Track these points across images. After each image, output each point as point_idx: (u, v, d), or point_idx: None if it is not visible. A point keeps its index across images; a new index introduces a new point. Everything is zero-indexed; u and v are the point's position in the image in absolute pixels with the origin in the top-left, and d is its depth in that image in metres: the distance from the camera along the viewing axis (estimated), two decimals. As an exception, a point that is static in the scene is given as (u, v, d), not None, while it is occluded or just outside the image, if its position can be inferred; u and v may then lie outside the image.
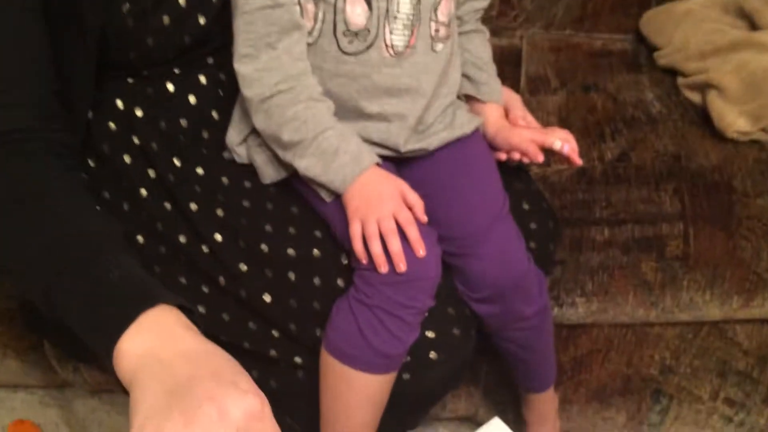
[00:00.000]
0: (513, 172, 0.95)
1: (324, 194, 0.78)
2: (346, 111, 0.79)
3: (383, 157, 0.80)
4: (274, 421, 0.48)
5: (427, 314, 0.78)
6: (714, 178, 1.08)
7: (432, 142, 0.82)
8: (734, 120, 1.11)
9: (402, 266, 0.73)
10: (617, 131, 1.15)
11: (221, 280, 0.80)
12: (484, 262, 0.82)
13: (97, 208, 0.70)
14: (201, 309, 0.82)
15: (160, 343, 0.52)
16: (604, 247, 1.02)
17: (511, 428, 0.66)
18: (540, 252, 0.93)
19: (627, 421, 1.09)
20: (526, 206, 0.94)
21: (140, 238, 0.82)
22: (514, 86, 1.23)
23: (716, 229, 1.03)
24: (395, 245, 0.73)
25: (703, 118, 1.18)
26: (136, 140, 0.81)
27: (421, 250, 0.73)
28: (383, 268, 0.73)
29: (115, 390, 1.15)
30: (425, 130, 0.83)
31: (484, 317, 0.86)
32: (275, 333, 0.81)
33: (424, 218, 0.76)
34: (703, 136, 1.16)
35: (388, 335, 0.74)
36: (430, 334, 0.78)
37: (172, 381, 0.49)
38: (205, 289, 0.82)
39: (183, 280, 0.82)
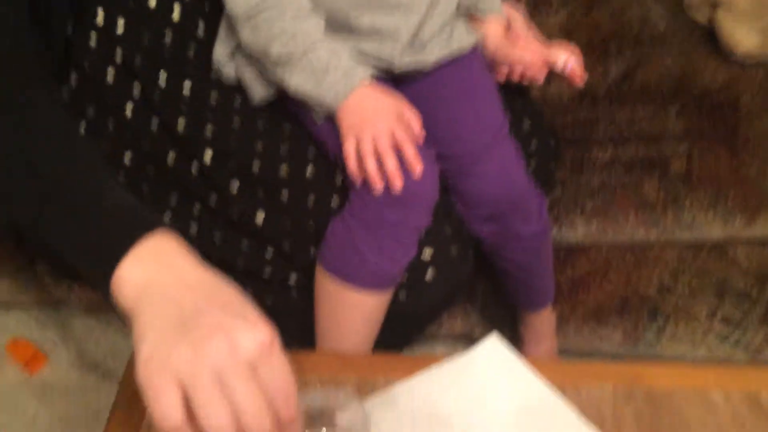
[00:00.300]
0: (513, 92, 0.93)
1: (316, 115, 0.76)
2: (338, 26, 0.76)
3: (379, 78, 0.77)
4: (283, 353, 0.47)
5: (424, 233, 0.77)
6: (719, 97, 1.07)
7: (428, 58, 0.80)
8: (744, 37, 1.09)
9: (398, 185, 0.71)
10: (622, 50, 1.12)
11: (212, 199, 0.79)
12: (483, 180, 0.81)
13: (81, 131, 0.67)
14: (192, 228, 0.81)
15: (161, 272, 0.50)
16: (606, 166, 1.01)
17: (507, 344, 0.66)
18: (540, 171, 0.92)
19: (623, 339, 1.10)
20: (526, 125, 0.93)
21: (127, 157, 0.80)
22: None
23: (721, 148, 1.02)
24: (391, 163, 0.70)
25: (709, 37, 1.16)
26: (118, 56, 0.78)
27: (418, 169, 0.71)
28: (378, 186, 0.71)
29: (111, 310, 1.15)
30: (421, 48, 0.80)
31: (482, 237, 0.86)
32: (269, 252, 0.80)
33: (422, 135, 0.73)
34: (708, 55, 1.14)
35: (383, 254, 0.74)
36: (427, 252, 0.78)
37: (178, 312, 0.47)
38: (196, 209, 0.80)
39: (173, 201, 0.81)
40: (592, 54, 1.11)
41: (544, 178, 0.92)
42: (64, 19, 0.75)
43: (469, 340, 1.21)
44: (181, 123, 0.78)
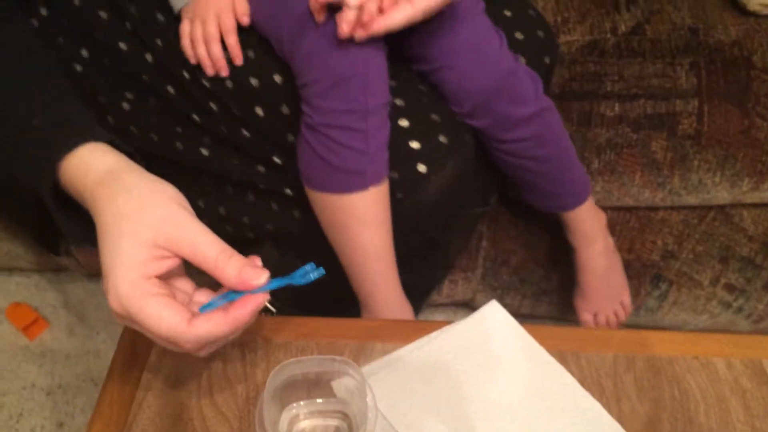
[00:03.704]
0: None
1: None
2: None
3: None
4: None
5: (409, 124, 0.78)
6: (732, 53, 1.07)
7: None
8: (759, -10, 1.09)
9: (223, 72, 0.79)
10: (633, 2, 1.12)
11: (195, 117, 0.82)
12: (457, 71, 0.82)
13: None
14: (179, 145, 0.85)
15: (82, 200, 0.56)
16: (613, 123, 1.02)
17: (508, 312, 0.68)
18: (532, 67, 0.89)
19: (624, 305, 1.13)
20: (507, 13, 0.91)
21: (129, 96, 0.84)
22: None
23: (732, 107, 1.03)
24: (215, 49, 0.79)
25: (725, -12, 1.16)
26: None
27: (237, 59, 0.79)
28: (209, 70, 0.79)
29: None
30: None
31: (479, 130, 0.85)
32: (261, 168, 0.84)
33: (245, 21, 0.79)
34: (723, 9, 1.13)
35: (341, 149, 0.75)
36: (414, 144, 0.78)
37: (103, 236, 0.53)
38: (179, 129, 0.85)
39: (154, 119, 0.85)
40: (601, 6, 1.11)
41: (539, 76, 0.90)
42: None
43: (469, 307, 1.24)
44: (159, 42, 0.82)
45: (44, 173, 0.57)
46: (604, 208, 1.08)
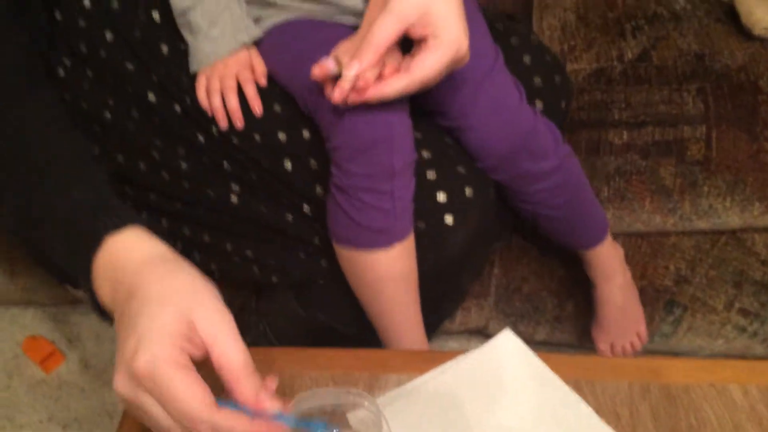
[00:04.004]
0: (508, 27, 0.93)
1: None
2: None
3: (349, 26, 0.80)
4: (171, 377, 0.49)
5: (436, 176, 0.79)
6: (739, 78, 1.08)
7: None
8: (763, 16, 1.10)
9: (239, 123, 0.80)
10: (638, 29, 1.14)
11: (226, 165, 0.83)
12: (480, 130, 0.83)
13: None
14: (210, 193, 0.86)
15: (114, 288, 0.56)
16: (622, 150, 1.03)
17: (522, 340, 0.68)
18: (550, 111, 0.91)
19: (639, 332, 1.13)
20: (526, 60, 0.92)
21: (137, 112, 0.84)
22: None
23: (740, 131, 1.03)
24: (232, 100, 0.80)
25: (730, 15, 1.17)
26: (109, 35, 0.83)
27: (257, 109, 0.80)
28: (222, 122, 0.80)
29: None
30: None
31: (503, 184, 0.87)
32: (289, 216, 0.84)
33: (263, 82, 0.81)
34: (728, 34, 1.14)
35: (369, 209, 0.76)
36: (441, 197, 0.80)
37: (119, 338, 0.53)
38: (210, 176, 0.85)
39: (184, 166, 0.85)
40: (607, 34, 1.12)
41: (556, 120, 0.92)
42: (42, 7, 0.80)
43: (483, 335, 1.23)
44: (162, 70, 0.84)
45: (84, 251, 0.57)
46: (616, 235, 1.09)
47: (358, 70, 0.67)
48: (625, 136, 1.03)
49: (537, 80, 0.92)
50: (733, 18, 1.16)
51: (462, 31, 0.69)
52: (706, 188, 1.02)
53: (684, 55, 1.11)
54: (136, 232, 0.57)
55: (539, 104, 0.92)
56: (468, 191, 0.81)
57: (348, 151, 0.74)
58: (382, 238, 0.78)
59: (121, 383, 0.51)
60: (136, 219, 0.58)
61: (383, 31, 0.68)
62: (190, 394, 0.48)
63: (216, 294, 0.54)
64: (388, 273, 0.80)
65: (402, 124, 0.75)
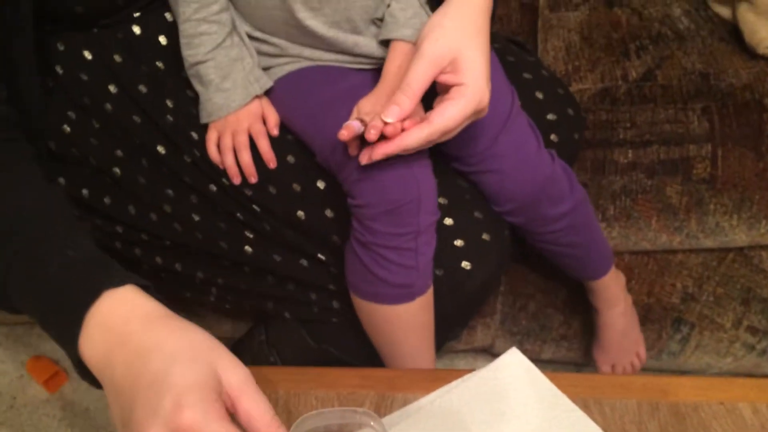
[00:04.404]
0: (519, 59, 0.93)
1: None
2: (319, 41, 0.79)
3: (366, 70, 0.81)
4: None
5: (453, 222, 0.80)
6: (744, 97, 1.08)
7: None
8: (767, 35, 1.11)
9: (252, 179, 0.79)
10: (643, 48, 1.14)
11: (239, 215, 0.82)
12: (500, 175, 0.83)
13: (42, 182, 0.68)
14: (223, 245, 0.85)
15: (109, 347, 0.53)
16: (627, 169, 1.03)
17: (528, 358, 0.68)
18: (564, 144, 0.92)
19: (646, 350, 1.12)
20: (539, 95, 0.93)
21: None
22: (533, 2, 1.22)
23: (745, 150, 1.04)
24: (245, 157, 0.79)
25: (734, 34, 1.17)
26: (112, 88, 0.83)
27: (271, 163, 0.79)
28: (236, 179, 0.80)
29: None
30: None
31: (518, 226, 0.87)
32: (304, 262, 0.84)
33: (275, 133, 0.81)
34: (733, 53, 1.15)
35: (393, 266, 0.76)
36: (458, 243, 0.80)
37: (119, 396, 0.51)
38: (223, 226, 0.84)
39: (197, 217, 0.84)
40: (612, 54, 1.13)
41: (568, 151, 0.93)
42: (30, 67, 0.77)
43: (489, 353, 1.23)
44: (170, 117, 0.82)
45: (75, 307, 0.54)
46: (621, 253, 1.09)
47: (399, 115, 0.66)
48: (630, 155, 1.04)
49: (551, 116, 0.93)
50: (736, 37, 1.16)
51: (485, 83, 0.68)
52: (712, 206, 1.02)
53: (688, 74, 1.11)
54: (134, 290, 0.56)
55: (554, 137, 0.92)
56: (485, 236, 0.81)
57: (375, 210, 0.74)
58: (404, 294, 0.78)
59: None
60: (133, 278, 0.57)
61: (418, 74, 0.67)
62: None
63: (227, 348, 0.54)
64: (407, 325, 0.81)
65: (429, 183, 0.76)
